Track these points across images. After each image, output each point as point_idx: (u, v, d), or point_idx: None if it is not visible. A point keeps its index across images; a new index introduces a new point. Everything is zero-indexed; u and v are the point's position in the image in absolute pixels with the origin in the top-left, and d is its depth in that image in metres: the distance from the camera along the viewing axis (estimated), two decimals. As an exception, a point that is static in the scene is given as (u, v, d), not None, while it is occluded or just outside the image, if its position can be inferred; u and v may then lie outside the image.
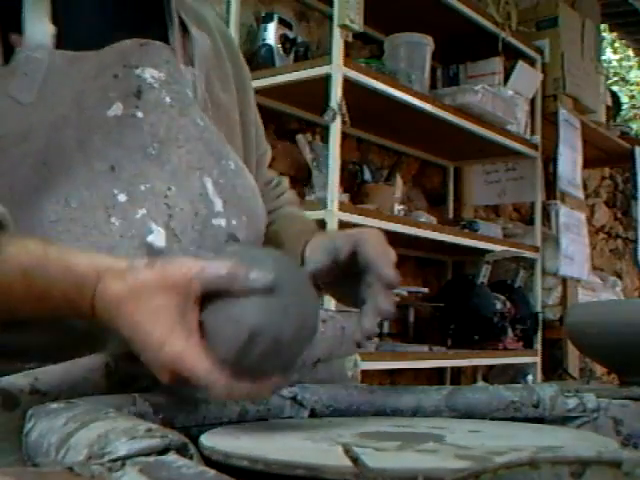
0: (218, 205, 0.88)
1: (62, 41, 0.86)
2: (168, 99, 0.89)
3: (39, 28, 0.85)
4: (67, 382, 0.70)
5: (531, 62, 3.39)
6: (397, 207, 2.76)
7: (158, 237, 0.83)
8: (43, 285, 0.71)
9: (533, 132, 3.39)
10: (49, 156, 0.81)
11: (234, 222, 0.89)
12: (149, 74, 0.88)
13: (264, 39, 2.57)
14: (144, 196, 0.83)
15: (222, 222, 0.88)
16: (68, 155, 0.82)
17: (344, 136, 2.48)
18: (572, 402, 0.77)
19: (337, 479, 0.50)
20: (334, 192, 2.29)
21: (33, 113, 0.82)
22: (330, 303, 2.06)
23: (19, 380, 0.68)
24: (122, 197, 0.82)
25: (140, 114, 0.86)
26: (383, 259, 0.79)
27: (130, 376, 0.72)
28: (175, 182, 0.86)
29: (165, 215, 0.84)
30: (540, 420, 0.77)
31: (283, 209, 1.14)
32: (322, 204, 2.30)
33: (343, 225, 2.25)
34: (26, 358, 0.73)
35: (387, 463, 0.52)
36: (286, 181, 1.21)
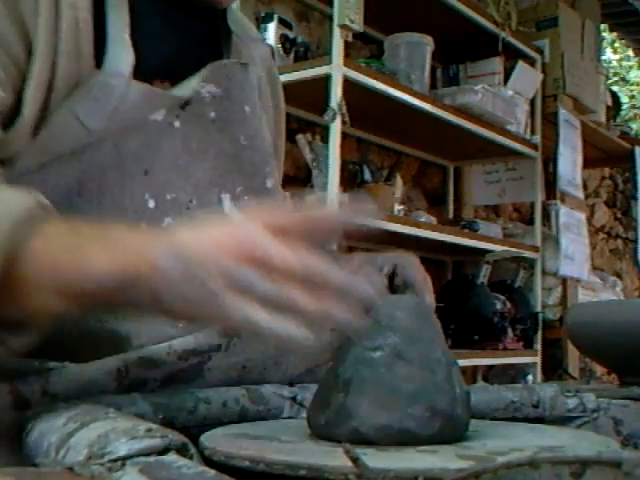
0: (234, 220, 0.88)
1: (138, 49, 0.85)
2: (212, 114, 0.89)
3: (120, 53, 0.83)
4: (78, 384, 0.69)
5: (531, 62, 3.39)
6: (397, 207, 2.76)
7: None
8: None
9: (533, 132, 3.39)
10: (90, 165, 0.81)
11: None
12: (207, 89, 0.89)
13: (264, 39, 2.57)
14: (170, 205, 0.84)
15: None
16: (101, 151, 0.81)
17: (344, 136, 2.48)
18: (572, 402, 0.78)
19: (338, 479, 0.51)
20: (334, 192, 2.29)
21: (95, 138, 0.81)
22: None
23: (32, 381, 0.68)
24: (151, 203, 0.83)
25: (177, 124, 0.86)
26: (425, 285, 0.81)
27: (140, 380, 0.72)
28: (196, 196, 0.86)
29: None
30: (540, 420, 0.77)
31: None
32: (322, 204, 2.30)
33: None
34: (45, 356, 0.73)
35: (387, 463, 0.52)
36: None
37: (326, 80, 2.32)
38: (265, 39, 1.21)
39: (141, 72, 0.84)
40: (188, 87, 0.87)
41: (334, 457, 0.54)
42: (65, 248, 0.61)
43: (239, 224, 0.60)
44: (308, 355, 0.84)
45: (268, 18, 2.60)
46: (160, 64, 0.88)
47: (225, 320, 0.56)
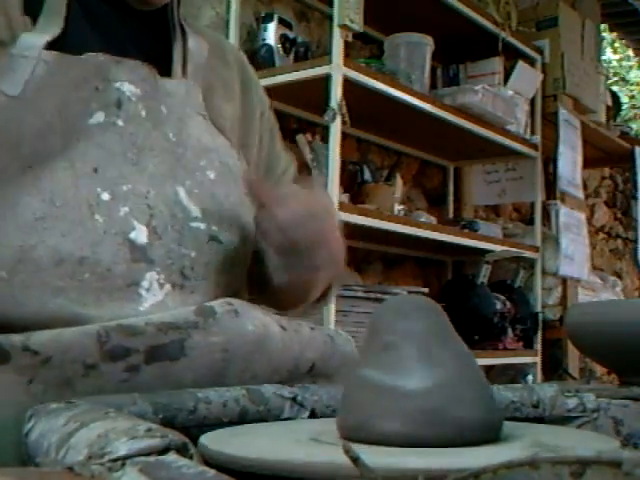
0: (195, 212, 0.91)
1: (65, 46, 0.90)
2: (144, 113, 0.92)
3: (39, 34, 0.89)
4: (60, 344, 0.72)
5: (531, 62, 3.39)
6: (397, 207, 2.76)
7: (140, 234, 0.86)
8: None
9: (533, 132, 3.39)
10: (35, 161, 0.84)
11: (214, 227, 0.92)
12: (127, 88, 0.92)
13: (264, 39, 2.57)
14: (126, 196, 0.86)
15: (201, 225, 0.91)
16: (52, 159, 0.84)
17: (344, 136, 2.48)
18: (572, 402, 0.77)
19: (337, 478, 0.51)
20: (334, 192, 2.29)
21: (20, 110, 0.85)
22: (330, 318, 2.06)
23: (11, 337, 0.70)
24: (105, 196, 0.85)
25: (120, 122, 0.89)
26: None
27: (122, 348, 0.74)
28: (153, 186, 0.89)
29: (147, 214, 0.87)
30: (540, 420, 0.77)
31: None
32: (322, 204, 2.30)
33: (343, 225, 2.25)
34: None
35: (387, 463, 0.52)
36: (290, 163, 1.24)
37: (326, 80, 2.32)
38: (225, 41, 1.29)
39: (74, 48, 0.89)
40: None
41: (335, 457, 0.54)
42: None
43: None
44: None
45: (268, 18, 2.60)
46: (95, 43, 0.93)
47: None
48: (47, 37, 0.89)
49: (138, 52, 0.96)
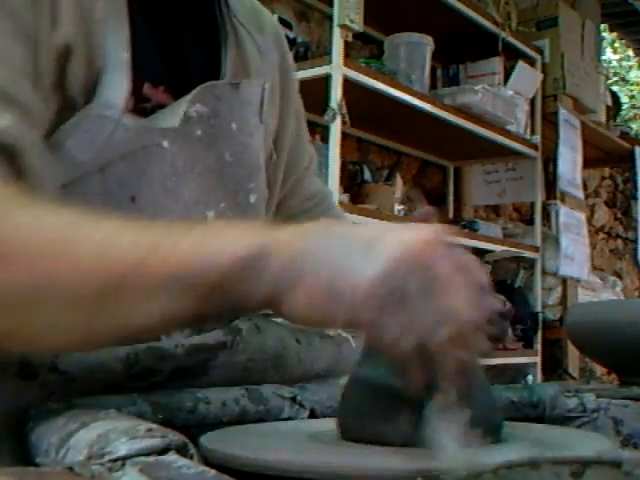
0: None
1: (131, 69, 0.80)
2: (199, 132, 0.86)
3: (117, 79, 0.78)
4: (87, 365, 0.70)
5: (531, 62, 3.39)
6: (397, 207, 2.76)
7: None
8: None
9: (533, 132, 3.39)
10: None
11: None
12: (194, 109, 0.85)
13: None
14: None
15: None
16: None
17: (344, 136, 2.48)
18: (572, 402, 0.77)
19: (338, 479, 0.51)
20: (334, 192, 2.29)
21: (87, 174, 0.77)
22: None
23: (41, 355, 0.68)
24: None
25: (165, 143, 0.82)
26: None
27: (148, 369, 0.72)
28: (183, 215, 0.84)
29: None
30: (540, 420, 0.77)
31: None
32: (322, 204, 2.30)
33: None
34: None
35: (387, 463, 0.52)
36: (331, 196, 1.15)
37: (326, 80, 2.32)
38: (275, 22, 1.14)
39: (133, 77, 0.80)
40: (177, 113, 0.84)
41: (334, 457, 0.54)
42: (184, 236, 0.57)
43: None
44: (306, 360, 0.84)
45: (268, 18, 2.60)
46: (155, 68, 0.85)
47: (354, 321, 0.52)
48: (125, 82, 0.78)
49: (196, 49, 0.90)
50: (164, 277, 0.55)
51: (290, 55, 1.10)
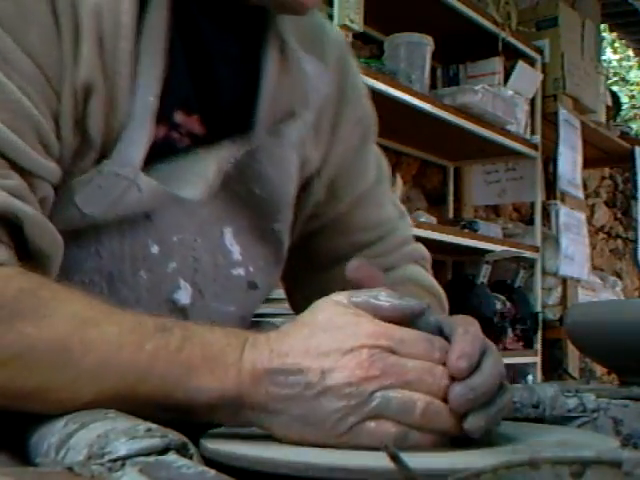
0: (236, 253, 0.85)
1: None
2: (230, 170, 0.82)
3: (138, 134, 0.73)
4: None
5: (531, 62, 3.39)
6: (397, 207, 2.76)
7: (184, 294, 0.80)
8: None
9: (533, 132, 3.39)
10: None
11: (251, 269, 0.86)
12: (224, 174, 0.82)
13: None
14: (176, 247, 0.79)
15: (241, 271, 0.85)
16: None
17: (344, 136, 2.47)
18: (572, 402, 0.77)
19: (338, 478, 0.50)
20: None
21: (94, 227, 0.75)
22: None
23: None
24: (155, 248, 0.78)
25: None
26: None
27: None
28: (200, 233, 0.81)
29: (191, 269, 0.80)
30: (540, 420, 0.77)
31: (403, 269, 1.03)
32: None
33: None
34: None
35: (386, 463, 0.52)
36: (406, 223, 1.06)
37: (326, 80, 2.32)
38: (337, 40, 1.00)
39: (164, 104, 0.75)
40: (201, 183, 0.78)
41: (334, 457, 0.54)
42: (173, 368, 0.61)
43: (346, 323, 0.59)
44: None
45: (268, 18, 2.60)
46: (187, 95, 0.79)
47: (353, 437, 0.57)
48: (145, 139, 0.74)
49: (234, 75, 0.83)
50: (150, 404, 0.60)
51: (355, 76, 1.00)
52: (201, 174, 0.78)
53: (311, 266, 1.01)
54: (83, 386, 0.60)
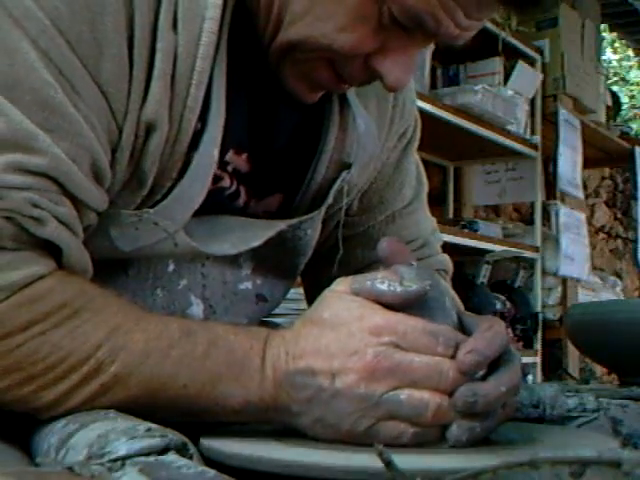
0: (247, 269, 0.85)
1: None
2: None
3: (189, 195, 0.72)
4: None
5: (531, 62, 3.39)
6: (397, 207, 2.75)
7: (197, 310, 0.81)
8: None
9: (533, 132, 3.39)
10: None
11: (259, 282, 0.87)
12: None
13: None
14: (186, 265, 0.79)
15: (249, 285, 0.86)
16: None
17: (344, 136, 2.47)
18: (572, 402, 0.77)
19: (338, 478, 0.51)
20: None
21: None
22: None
23: None
24: (171, 267, 0.79)
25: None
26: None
27: None
28: (219, 251, 0.81)
29: (200, 285, 0.81)
30: (540, 420, 0.77)
31: None
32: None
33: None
34: None
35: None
36: (436, 238, 1.05)
37: (326, 80, 2.32)
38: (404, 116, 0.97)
39: (221, 147, 0.75)
40: (239, 246, 0.79)
41: (334, 457, 0.54)
42: (198, 375, 0.62)
43: (352, 319, 0.61)
44: None
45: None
46: (241, 135, 0.79)
47: (369, 438, 0.58)
48: (196, 203, 0.73)
49: (289, 118, 0.83)
50: (169, 409, 0.63)
51: (409, 91, 0.97)
52: (243, 239, 0.79)
53: (334, 271, 0.99)
54: (106, 395, 0.61)
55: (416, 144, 1.00)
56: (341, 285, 0.63)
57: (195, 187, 0.73)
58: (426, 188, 1.04)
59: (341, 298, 0.62)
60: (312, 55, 0.73)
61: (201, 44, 0.67)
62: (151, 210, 0.71)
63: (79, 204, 0.65)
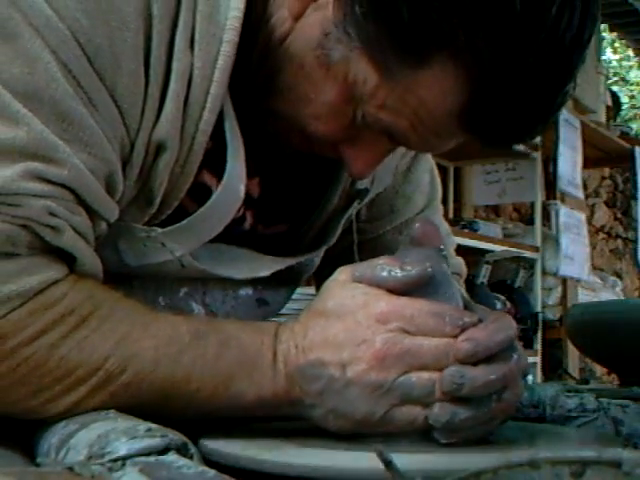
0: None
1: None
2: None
3: (201, 228, 0.72)
4: None
5: (531, 62, 3.38)
6: (397, 207, 2.75)
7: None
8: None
9: (533, 132, 3.39)
10: None
11: (260, 286, 0.86)
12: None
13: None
14: (187, 272, 0.77)
15: (249, 290, 0.85)
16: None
17: (344, 136, 2.47)
18: (572, 402, 0.77)
19: (337, 479, 0.51)
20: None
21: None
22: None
23: None
24: (183, 290, 0.79)
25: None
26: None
27: None
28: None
29: (201, 292, 0.81)
30: (540, 420, 0.77)
31: None
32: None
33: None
34: None
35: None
36: (448, 242, 1.00)
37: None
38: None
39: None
40: (247, 274, 0.79)
41: (334, 457, 0.54)
42: (210, 378, 0.63)
43: (359, 309, 0.61)
44: None
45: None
46: (251, 159, 0.77)
47: (385, 424, 0.59)
48: (216, 230, 0.73)
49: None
50: (180, 411, 0.63)
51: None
52: (251, 268, 0.79)
53: None
54: (117, 403, 0.61)
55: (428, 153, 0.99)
56: (342, 274, 0.64)
57: (213, 220, 0.73)
58: (439, 191, 1.02)
59: (344, 286, 0.63)
60: (289, 126, 0.73)
61: (217, 68, 0.66)
62: (159, 229, 0.70)
63: (93, 214, 0.65)
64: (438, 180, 1.03)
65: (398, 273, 0.61)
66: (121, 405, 0.61)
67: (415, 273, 0.61)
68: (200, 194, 0.72)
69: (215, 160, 0.71)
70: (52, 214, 0.61)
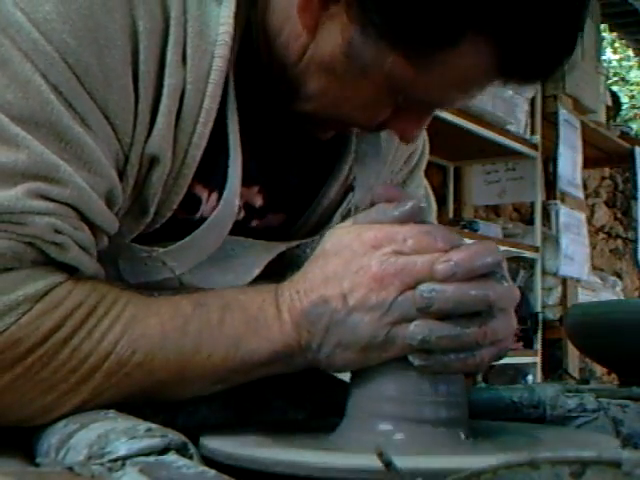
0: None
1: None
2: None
3: (204, 243, 0.73)
4: None
5: (531, 62, 3.38)
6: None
7: None
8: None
9: (533, 132, 3.39)
10: None
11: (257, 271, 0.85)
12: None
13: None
14: (184, 288, 0.77)
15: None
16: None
17: (344, 136, 2.47)
18: (572, 402, 0.77)
19: (336, 478, 0.51)
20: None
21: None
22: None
23: None
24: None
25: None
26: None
27: None
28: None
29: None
30: (540, 420, 0.77)
31: None
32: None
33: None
34: None
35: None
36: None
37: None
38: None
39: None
40: (244, 277, 0.79)
41: (334, 456, 0.54)
42: (219, 342, 0.64)
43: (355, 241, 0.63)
44: None
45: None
46: (250, 167, 0.77)
47: (387, 347, 0.60)
48: (214, 246, 0.74)
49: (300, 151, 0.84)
50: (197, 382, 0.65)
51: (420, 161, 0.99)
52: (246, 267, 0.79)
53: None
54: (131, 384, 0.63)
55: (423, 168, 1.01)
56: (343, 223, 0.67)
57: (212, 236, 0.74)
58: (434, 210, 1.04)
59: (341, 228, 0.66)
60: (323, 121, 0.77)
61: (210, 82, 0.67)
62: (161, 249, 0.72)
63: (96, 229, 0.65)
64: (432, 198, 1.05)
65: (394, 212, 0.63)
66: (140, 387, 0.63)
67: (409, 205, 0.63)
68: (190, 204, 0.73)
69: (206, 171, 0.72)
70: (57, 231, 0.61)
